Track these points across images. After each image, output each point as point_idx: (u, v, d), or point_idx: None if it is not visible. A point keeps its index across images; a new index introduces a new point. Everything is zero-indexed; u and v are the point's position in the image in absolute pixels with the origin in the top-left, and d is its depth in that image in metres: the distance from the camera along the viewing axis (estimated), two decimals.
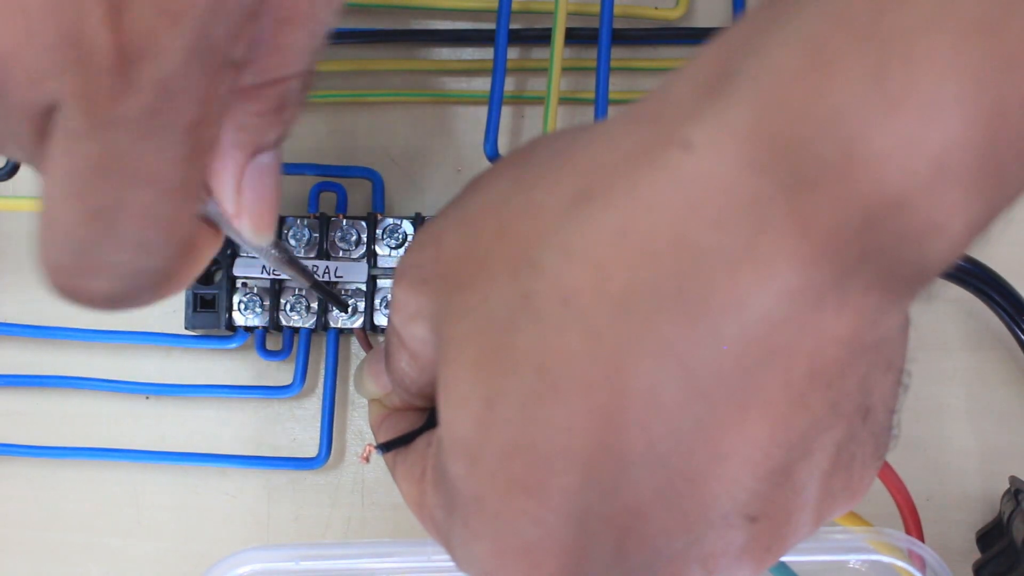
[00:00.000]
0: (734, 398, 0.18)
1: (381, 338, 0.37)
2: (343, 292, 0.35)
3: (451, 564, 0.27)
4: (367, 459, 0.25)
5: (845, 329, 0.18)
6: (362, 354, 0.37)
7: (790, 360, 0.18)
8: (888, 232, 0.16)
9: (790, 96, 0.16)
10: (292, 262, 0.28)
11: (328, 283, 0.35)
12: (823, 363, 0.18)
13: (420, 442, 0.24)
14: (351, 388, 0.38)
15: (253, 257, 0.35)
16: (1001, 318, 0.35)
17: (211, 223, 0.22)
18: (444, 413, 0.20)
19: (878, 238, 0.16)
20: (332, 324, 0.35)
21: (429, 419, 0.26)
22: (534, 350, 0.18)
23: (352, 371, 0.38)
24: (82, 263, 0.20)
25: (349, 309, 0.35)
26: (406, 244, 0.35)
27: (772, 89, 0.16)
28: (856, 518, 0.28)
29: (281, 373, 0.38)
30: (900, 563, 0.27)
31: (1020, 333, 0.35)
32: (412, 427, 0.25)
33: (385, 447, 0.25)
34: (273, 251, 0.25)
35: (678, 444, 0.18)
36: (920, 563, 0.27)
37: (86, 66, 0.18)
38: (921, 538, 0.28)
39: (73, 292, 0.21)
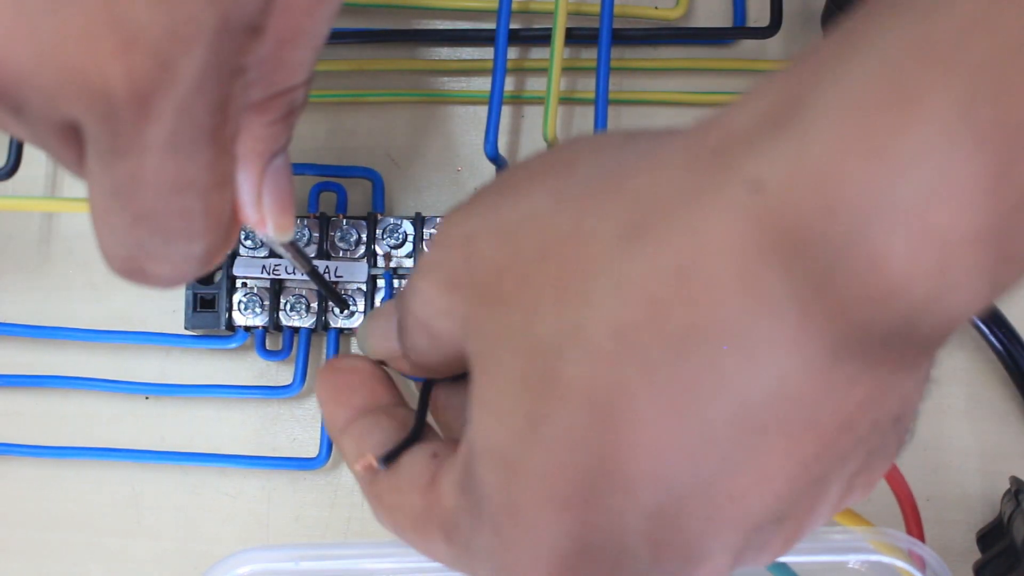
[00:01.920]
0: (786, 427, 0.18)
1: None
2: (343, 292, 0.35)
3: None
4: (364, 469, 0.24)
5: (892, 361, 0.18)
6: None
7: (847, 391, 0.18)
8: (964, 274, 0.16)
9: (868, 131, 0.15)
10: (296, 251, 0.28)
11: (328, 283, 0.35)
12: (874, 392, 0.18)
13: (420, 453, 0.24)
14: None
15: (253, 257, 0.35)
16: (984, 337, 0.35)
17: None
18: (480, 422, 0.20)
19: (955, 283, 0.16)
20: (332, 324, 0.35)
21: (417, 424, 0.25)
22: (584, 380, 0.18)
23: None
24: (137, 255, 0.22)
25: (348, 306, 0.35)
26: (405, 243, 0.35)
27: (848, 124, 0.16)
28: (856, 517, 0.28)
29: (281, 373, 0.38)
30: (900, 563, 0.27)
31: (997, 343, 0.35)
32: (386, 434, 0.24)
33: (387, 459, 0.24)
34: (280, 242, 0.26)
35: (726, 468, 0.18)
36: (920, 563, 0.27)
37: (102, 98, 0.18)
38: (922, 538, 0.28)
39: (133, 278, 0.23)
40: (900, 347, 0.17)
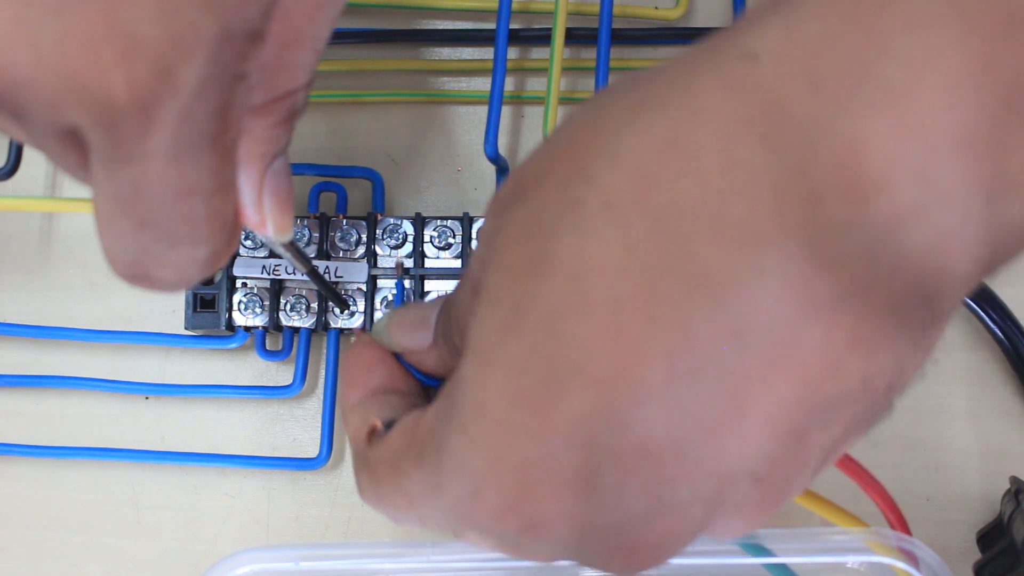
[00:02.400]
0: (768, 347, 0.17)
1: None
2: (344, 292, 0.35)
3: (451, 565, 0.27)
4: (369, 434, 0.24)
5: (894, 294, 0.16)
6: None
7: (833, 318, 0.16)
8: (950, 178, 0.15)
9: (859, 9, 0.15)
10: (296, 251, 0.29)
11: (328, 283, 0.35)
12: (866, 334, 0.17)
13: (410, 412, 0.23)
14: None
15: (253, 257, 0.35)
16: (981, 320, 0.35)
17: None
18: (476, 317, 0.19)
19: (938, 184, 0.15)
20: (332, 324, 0.35)
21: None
22: (571, 257, 0.17)
23: None
24: (141, 260, 0.22)
25: (348, 306, 0.35)
26: (405, 243, 0.35)
27: (841, 2, 0.15)
28: (854, 519, 0.28)
29: (281, 373, 0.38)
30: (899, 563, 0.27)
31: (1000, 333, 0.35)
32: (395, 412, 0.24)
33: (388, 425, 0.24)
34: (279, 242, 0.26)
35: (701, 387, 0.17)
36: (915, 561, 0.27)
37: (103, 105, 0.18)
38: (907, 530, 0.28)
39: (138, 283, 0.23)
40: (887, 277, 0.16)
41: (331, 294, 0.34)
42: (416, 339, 0.25)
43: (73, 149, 0.20)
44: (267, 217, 0.24)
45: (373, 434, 0.24)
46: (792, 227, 0.16)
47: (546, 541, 0.19)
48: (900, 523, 0.28)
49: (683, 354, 0.17)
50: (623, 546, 0.19)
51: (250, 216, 0.24)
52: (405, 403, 0.25)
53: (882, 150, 0.15)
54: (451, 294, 0.24)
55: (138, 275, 0.22)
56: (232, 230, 0.23)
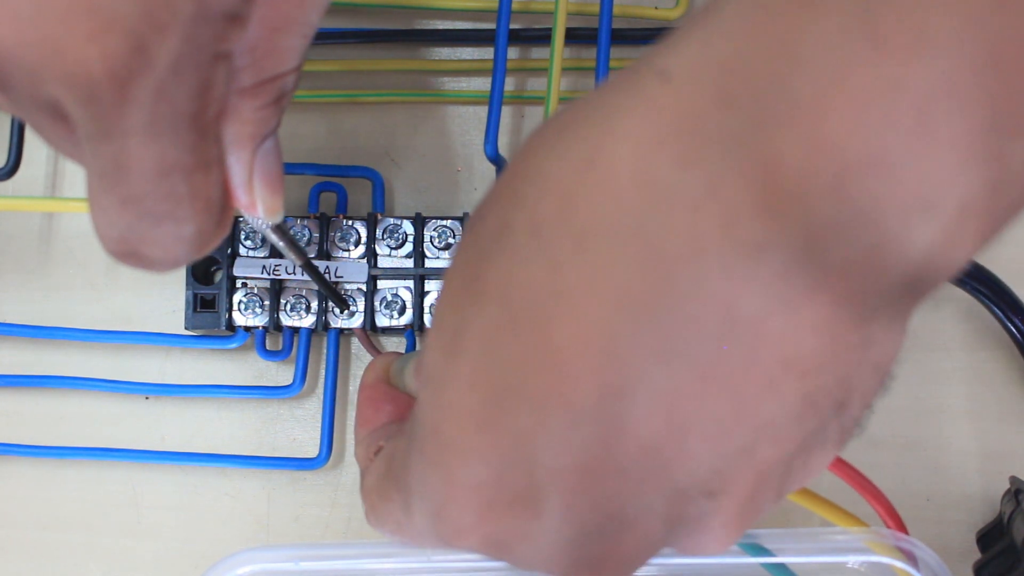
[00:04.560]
0: (693, 363, 0.16)
1: (383, 338, 0.37)
2: (344, 292, 0.35)
3: (451, 565, 0.27)
4: (375, 453, 0.25)
5: (820, 316, 0.16)
6: (363, 354, 0.37)
7: (757, 336, 0.16)
8: (865, 197, 0.15)
9: (771, 26, 0.15)
10: (288, 239, 0.29)
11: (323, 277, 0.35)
12: (797, 352, 0.16)
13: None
14: (351, 388, 0.38)
15: (253, 257, 0.35)
16: (996, 316, 0.35)
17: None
18: (428, 342, 0.20)
19: (853, 203, 0.15)
20: (332, 324, 0.35)
21: None
22: (501, 281, 0.18)
23: (352, 371, 0.38)
24: (128, 237, 0.22)
25: (344, 301, 0.35)
26: (405, 243, 0.35)
27: (755, 19, 0.15)
28: (854, 519, 0.28)
29: (281, 373, 0.38)
30: (899, 563, 0.27)
31: (1015, 331, 0.35)
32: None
33: None
34: (269, 225, 0.27)
35: (631, 402, 0.17)
36: (914, 560, 0.27)
37: (80, 80, 0.19)
38: (903, 529, 0.28)
39: (127, 261, 0.23)
40: (816, 273, 0.16)
41: (327, 289, 0.34)
42: None
43: (59, 124, 0.20)
44: (257, 198, 0.24)
45: (379, 453, 0.25)
46: (706, 244, 0.16)
47: (510, 557, 0.20)
48: (896, 523, 0.28)
49: (610, 371, 0.17)
50: (584, 561, 0.19)
51: (240, 197, 0.24)
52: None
53: (794, 166, 0.15)
54: None
55: (126, 252, 0.23)
56: (219, 210, 0.23)
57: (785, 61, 0.15)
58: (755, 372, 0.17)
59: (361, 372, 0.37)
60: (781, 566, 0.27)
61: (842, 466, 0.28)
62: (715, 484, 0.18)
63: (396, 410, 0.27)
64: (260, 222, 0.26)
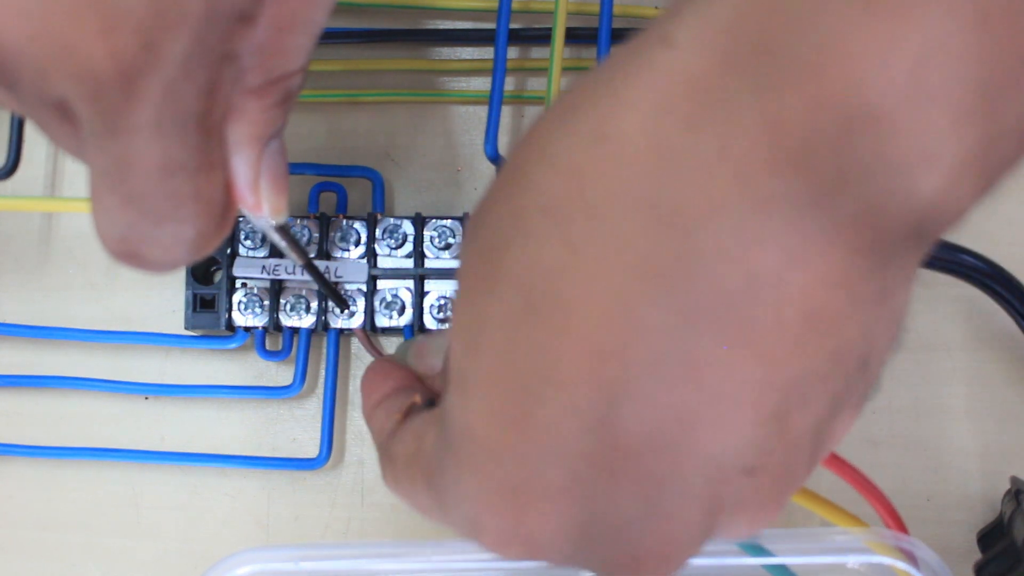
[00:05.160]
0: (721, 329, 0.16)
1: (382, 339, 0.37)
2: (344, 292, 0.35)
3: (451, 565, 0.27)
4: (407, 409, 0.25)
5: (836, 268, 0.16)
6: (363, 354, 0.37)
7: (779, 294, 0.16)
8: (868, 151, 0.15)
9: None
10: (290, 238, 0.29)
11: (324, 277, 0.35)
12: (819, 306, 0.16)
13: (424, 408, 0.24)
14: (351, 388, 0.38)
15: (253, 257, 0.35)
16: (1009, 313, 0.35)
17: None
18: (450, 341, 0.20)
19: (857, 156, 0.15)
20: (332, 324, 0.35)
21: None
22: (518, 267, 0.17)
23: (352, 371, 0.38)
24: (128, 237, 0.22)
25: (344, 301, 0.35)
26: (405, 243, 0.35)
27: None
28: (854, 519, 0.28)
29: (281, 373, 0.38)
30: (899, 564, 0.27)
31: None
32: (422, 396, 0.25)
33: (431, 402, 0.24)
34: (273, 225, 0.27)
35: (664, 377, 0.17)
36: (914, 561, 0.27)
37: (88, 77, 0.19)
38: (904, 529, 0.28)
39: (126, 259, 0.23)
40: (826, 229, 0.16)
41: (328, 289, 0.34)
42: (427, 364, 0.26)
43: (65, 122, 0.20)
44: (263, 199, 0.24)
45: (412, 408, 0.24)
46: (722, 203, 0.16)
47: (551, 557, 0.19)
48: (896, 523, 0.28)
49: (639, 347, 0.16)
50: (626, 554, 0.19)
51: (246, 197, 0.24)
52: (427, 393, 0.25)
53: (799, 123, 0.15)
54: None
55: (126, 252, 0.23)
56: (221, 212, 0.23)
57: (783, 23, 0.15)
58: (780, 332, 0.16)
59: (361, 372, 0.37)
60: (781, 567, 0.27)
61: (843, 466, 0.28)
62: (751, 458, 0.18)
63: (406, 375, 0.26)
64: (264, 222, 0.26)
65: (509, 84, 0.38)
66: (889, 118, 0.15)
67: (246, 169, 0.23)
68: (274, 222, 0.26)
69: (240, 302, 0.35)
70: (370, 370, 0.27)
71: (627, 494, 0.18)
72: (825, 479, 0.28)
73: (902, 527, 0.28)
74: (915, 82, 0.15)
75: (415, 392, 0.25)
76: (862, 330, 0.17)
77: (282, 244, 0.29)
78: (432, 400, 0.25)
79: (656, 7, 0.38)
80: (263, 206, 0.24)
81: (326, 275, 0.35)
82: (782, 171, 0.15)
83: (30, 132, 0.36)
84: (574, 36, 0.37)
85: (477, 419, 0.18)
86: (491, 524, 0.19)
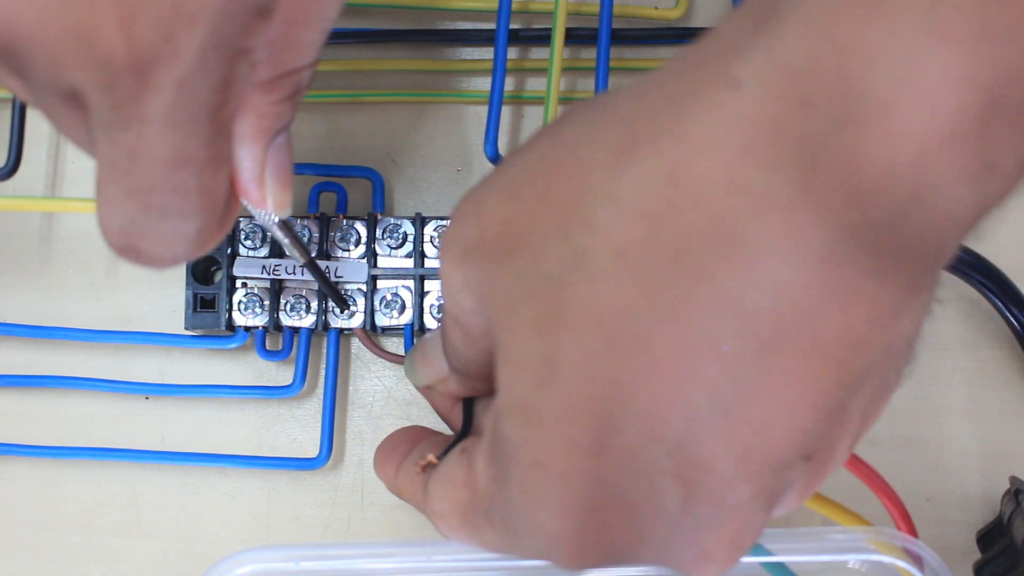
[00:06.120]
0: (797, 343, 0.17)
1: (383, 338, 0.37)
2: (344, 292, 0.35)
3: (451, 565, 0.27)
4: (424, 468, 0.25)
5: (902, 281, 0.17)
6: (363, 354, 0.37)
7: (850, 302, 0.17)
8: (940, 174, 0.16)
9: (839, 28, 0.16)
10: (293, 236, 0.29)
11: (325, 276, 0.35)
12: (883, 308, 0.18)
13: (452, 454, 0.24)
14: (351, 388, 0.38)
15: (253, 257, 0.35)
16: (997, 309, 0.35)
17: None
18: (503, 378, 0.20)
19: (929, 183, 0.16)
20: (332, 324, 0.35)
21: (465, 424, 0.26)
22: (592, 306, 0.18)
23: (352, 371, 0.38)
24: (131, 230, 0.22)
25: (345, 301, 0.35)
26: (405, 243, 0.35)
27: (821, 22, 0.16)
28: (855, 517, 0.28)
29: (281, 373, 0.38)
30: (900, 563, 0.27)
31: (1016, 324, 0.35)
32: (436, 449, 0.25)
33: (445, 453, 0.25)
34: (276, 221, 0.27)
35: (742, 393, 0.18)
36: (919, 563, 0.27)
37: (103, 66, 0.19)
38: (914, 533, 0.28)
39: (126, 253, 0.23)
40: (895, 254, 0.17)
41: (329, 288, 0.34)
42: (434, 369, 0.26)
43: (75, 111, 0.20)
44: (267, 193, 0.24)
45: (428, 467, 0.25)
46: (804, 236, 0.17)
47: (627, 563, 0.21)
48: (906, 523, 0.28)
49: (720, 369, 0.18)
50: (700, 554, 0.20)
51: (251, 191, 0.24)
52: (440, 440, 0.26)
53: (877, 158, 0.16)
54: (444, 335, 0.25)
55: (127, 246, 0.23)
56: (223, 210, 0.23)
57: (858, 61, 0.15)
58: (850, 335, 0.18)
59: (361, 372, 0.37)
60: (780, 565, 0.27)
61: (860, 465, 0.28)
62: (811, 446, 0.19)
63: (414, 435, 0.27)
64: (267, 218, 0.26)
65: (509, 84, 0.38)
66: (960, 141, 0.15)
67: (252, 163, 0.23)
68: (277, 218, 0.26)
69: (240, 302, 0.35)
70: (378, 451, 0.28)
71: (702, 500, 0.19)
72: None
73: (912, 529, 0.28)
74: (987, 110, 0.15)
75: (426, 448, 0.26)
76: (914, 320, 0.18)
77: (285, 241, 0.29)
78: (446, 446, 0.25)
79: (656, 7, 0.38)
80: (267, 200, 0.24)
81: (326, 275, 0.35)
82: (858, 204, 0.16)
83: (31, 132, 0.36)
84: (574, 36, 0.37)
85: (550, 452, 0.19)
86: (569, 544, 0.20)
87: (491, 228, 0.20)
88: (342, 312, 0.35)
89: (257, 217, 0.26)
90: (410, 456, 0.26)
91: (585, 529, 0.20)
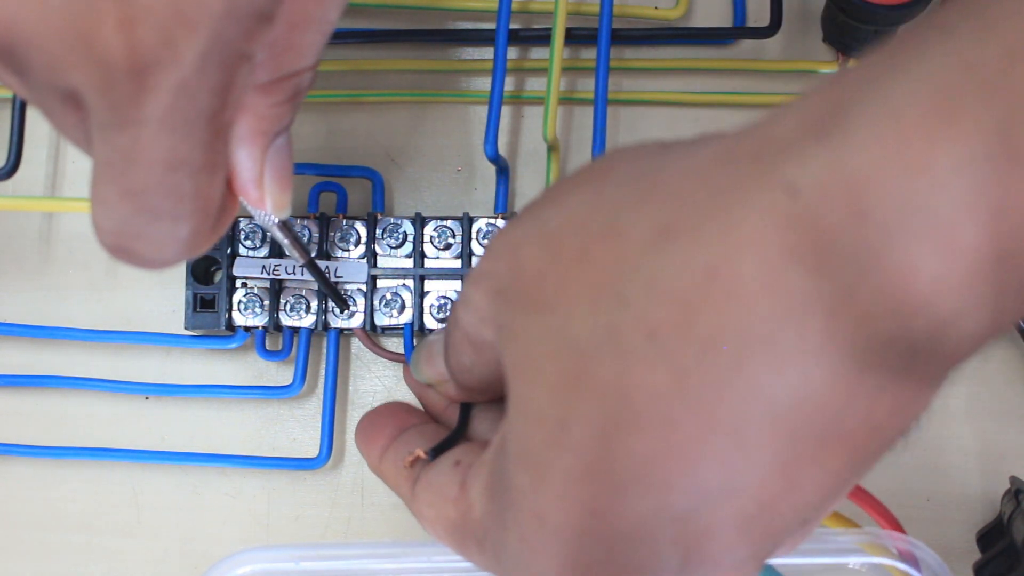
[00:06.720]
0: (817, 433, 0.18)
1: (383, 338, 0.37)
2: (344, 292, 0.35)
3: (451, 565, 0.27)
4: (412, 464, 0.25)
5: (923, 380, 0.18)
6: (363, 354, 0.37)
7: (875, 399, 0.18)
8: (990, 292, 0.16)
9: (909, 148, 0.16)
10: (292, 236, 0.29)
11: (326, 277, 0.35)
12: (902, 403, 0.18)
13: (444, 462, 0.24)
14: (351, 388, 0.38)
15: (253, 257, 0.35)
16: None
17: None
18: (514, 425, 0.20)
19: (978, 298, 0.16)
20: (332, 324, 0.35)
21: (459, 427, 0.26)
22: (617, 381, 0.18)
23: (352, 371, 0.38)
24: (124, 231, 0.22)
25: (345, 301, 0.35)
26: (405, 243, 0.35)
27: (892, 140, 0.16)
28: (845, 520, 0.28)
29: (281, 373, 0.38)
30: (899, 564, 0.27)
31: (1021, 327, 0.35)
32: (424, 441, 0.25)
33: (435, 451, 0.25)
34: (276, 222, 0.27)
35: (756, 477, 0.18)
36: (918, 563, 0.27)
37: (102, 68, 0.19)
38: (899, 528, 0.28)
39: (119, 254, 0.23)
40: (924, 363, 0.17)
41: (328, 288, 0.34)
42: (437, 369, 0.26)
43: (72, 111, 0.20)
44: (267, 194, 0.24)
45: (417, 463, 0.25)
46: (843, 342, 0.17)
47: None
48: (891, 522, 0.28)
49: (739, 458, 0.18)
50: None
51: (250, 192, 0.24)
52: (426, 435, 0.26)
53: (929, 274, 0.16)
54: (450, 345, 0.25)
55: (118, 247, 0.23)
56: (217, 214, 0.23)
57: (925, 180, 0.15)
58: (870, 428, 0.18)
59: (361, 372, 0.37)
60: (768, 567, 0.27)
61: None
62: (810, 516, 0.20)
63: (402, 414, 0.27)
64: (267, 219, 0.26)
65: (509, 84, 0.38)
66: (943, 305, 0.16)
67: (251, 164, 0.23)
68: (277, 219, 0.26)
69: (240, 302, 0.35)
70: (361, 425, 0.28)
71: (700, 564, 0.19)
72: None
73: (897, 526, 0.28)
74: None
75: (414, 439, 0.26)
76: (922, 409, 0.19)
77: (285, 242, 0.29)
78: (437, 445, 0.25)
79: (656, 7, 0.38)
80: (266, 201, 0.24)
81: (326, 275, 0.35)
82: (904, 319, 0.16)
83: (31, 132, 0.36)
84: (574, 36, 0.37)
85: (555, 508, 0.19)
86: None
87: (525, 277, 0.21)
88: (342, 312, 0.35)
89: (257, 218, 0.26)
90: (397, 444, 0.26)
91: None
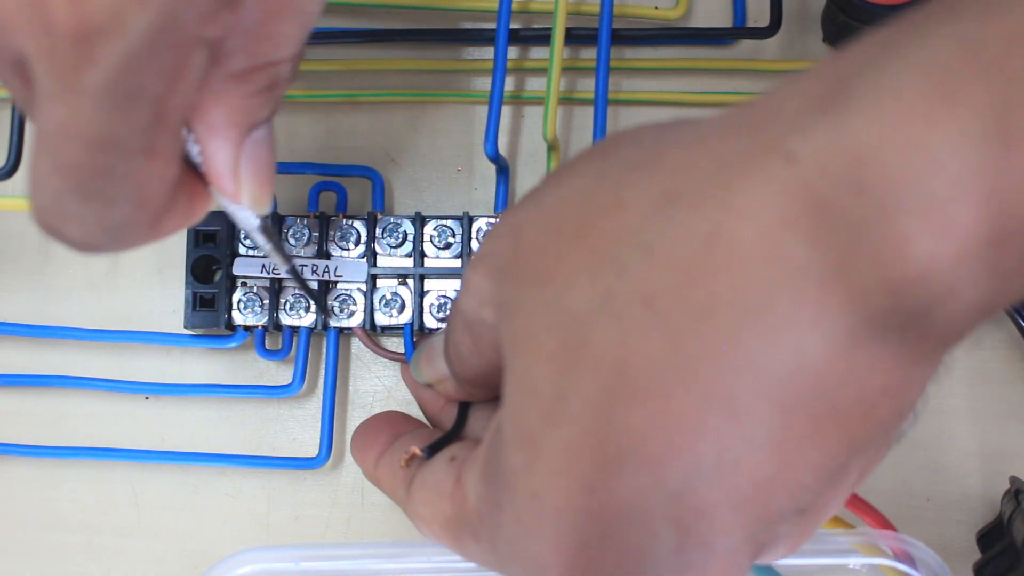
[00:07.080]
0: (811, 410, 0.18)
1: (383, 337, 0.37)
2: (344, 292, 0.35)
3: (451, 565, 0.27)
4: (408, 463, 0.25)
5: (932, 364, 0.18)
6: (363, 353, 0.37)
7: (868, 375, 0.18)
8: (988, 270, 0.16)
9: (908, 124, 0.16)
10: (275, 240, 0.28)
11: (328, 282, 0.35)
12: (896, 380, 0.18)
13: (440, 459, 0.24)
14: (351, 388, 0.38)
15: (253, 256, 0.35)
16: (1007, 312, 0.35)
17: (203, 180, 0.23)
18: (510, 402, 0.20)
19: (973, 276, 0.16)
20: (332, 324, 0.35)
21: (456, 425, 0.26)
22: (613, 349, 0.18)
23: (352, 371, 0.38)
24: (56, 209, 0.21)
25: (325, 306, 0.35)
26: (405, 243, 0.35)
27: (892, 115, 0.16)
28: (840, 521, 0.28)
29: (281, 373, 0.38)
30: (899, 565, 0.27)
31: (1019, 318, 0.35)
32: (418, 442, 0.25)
33: (432, 448, 0.25)
34: (260, 225, 0.26)
35: (751, 452, 0.18)
36: (917, 564, 0.27)
37: (47, 32, 0.18)
38: (890, 527, 0.28)
39: (50, 233, 0.22)
40: (916, 340, 0.17)
41: (311, 295, 0.33)
42: (437, 369, 0.26)
43: (22, 80, 0.20)
44: (243, 188, 0.23)
45: (413, 461, 0.25)
46: (836, 312, 0.17)
47: None
48: (879, 521, 0.28)
49: (733, 428, 0.18)
50: None
51: (224, 185, 0.23)
52: (420, 438, 0.26)
53: (923, 251, 0.16)
54: (450, 339, 0.25)
55: (48, 225, 0.22)
56: (154, 207, 0.22)
57: (923, 158, 0.16)
58: (863, 403, 0.18)
59: (361, 372, 0.37)
60: (767, 568, 0.27)
61: None
62: (808, 502, 0.19)
63: (396, 422, 0.28)
64: (246, 219, 0.25)
65: (509, 84, 0.38)
66: (1010, 240, 0.16)
67: (224, 156, 0.23)
68: (257, 219, 0.25)
69: (240, 301, 0.35)
70: (356, 435, 0.28)
71: (694, 546, 0.19)
72: None
73: (887, 524, 0.28)
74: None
75: (409, 441, 0.26)
76: (921, 388, 0.19)
77: (267, 246, 0.27)
78: (434, 443, 0.25)
79: (656, 7, 0.38)
80: (242, 195, 0.23)
81: (325, 275, 0.35)
82: (896, 291, 0.16)
83: (31, 132, 0.36)
84: (574, 36, 0.37)
85: (550, 485, 0.19)
86: (559, 572, 0.20)
87: (525, 253, 0.21)
88: (325, 319, 0.35)
89: (236, 219, 0.25)
90: (392, 448, 0.26)
91: (575, 565, 0.20)
